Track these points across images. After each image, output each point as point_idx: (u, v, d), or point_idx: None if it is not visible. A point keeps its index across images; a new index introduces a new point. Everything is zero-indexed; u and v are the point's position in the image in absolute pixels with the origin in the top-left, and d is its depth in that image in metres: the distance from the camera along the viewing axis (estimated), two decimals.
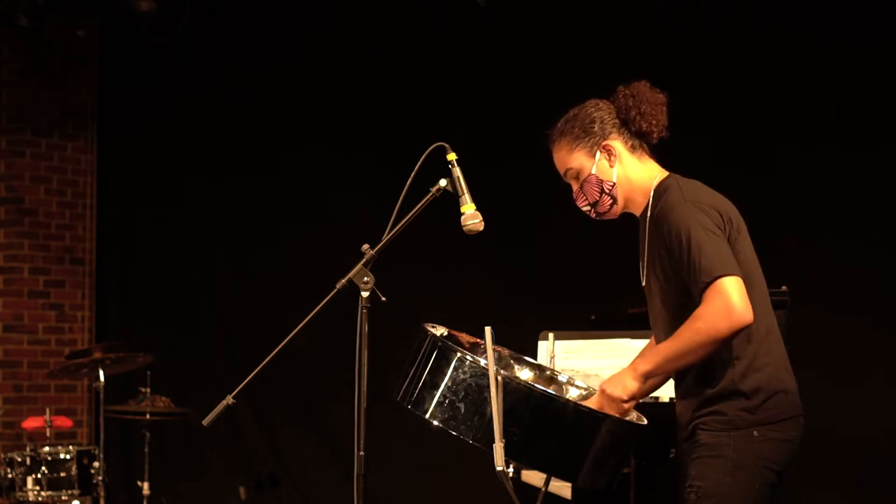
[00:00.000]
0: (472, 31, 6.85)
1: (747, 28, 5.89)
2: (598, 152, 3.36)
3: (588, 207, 3.42)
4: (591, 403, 3.28)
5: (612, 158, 3.35)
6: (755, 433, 3.16)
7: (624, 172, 3.36)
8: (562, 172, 3.44)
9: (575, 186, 3.43)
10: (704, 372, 3.21)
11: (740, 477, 3.16)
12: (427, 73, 7.03)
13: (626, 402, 3.24)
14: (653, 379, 3.30)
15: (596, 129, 3.36)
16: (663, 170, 3.38)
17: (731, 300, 3.07)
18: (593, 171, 3.37)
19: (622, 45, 6.22)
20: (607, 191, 3.37)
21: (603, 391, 3.26)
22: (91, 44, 8.33)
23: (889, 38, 5.44)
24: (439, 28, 7.02)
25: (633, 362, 3.29)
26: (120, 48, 8.31)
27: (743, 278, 3.13)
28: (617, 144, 3.35)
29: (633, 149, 3.37)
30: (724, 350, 3.17)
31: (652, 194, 3.33)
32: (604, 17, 6.37)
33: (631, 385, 3.23)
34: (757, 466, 3.17)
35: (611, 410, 3.23)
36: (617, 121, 3.36)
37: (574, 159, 3.39)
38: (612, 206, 3.39)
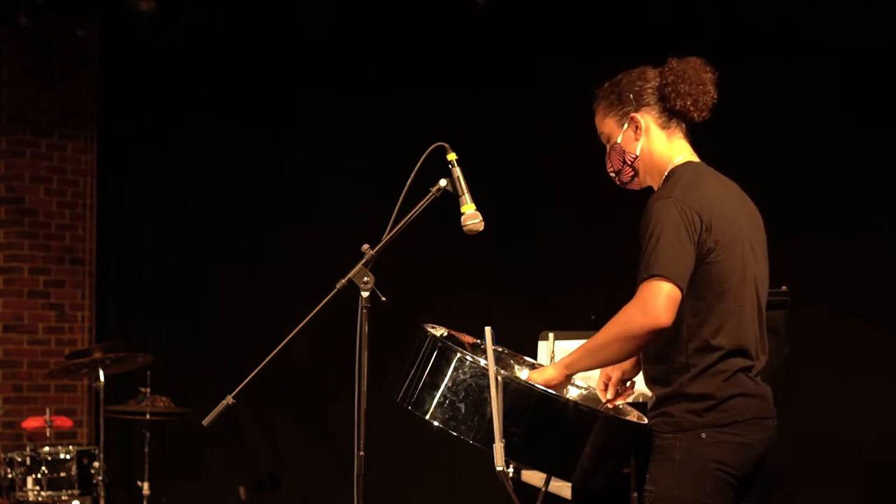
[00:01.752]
0: (472, 30, 6.84)
1: (747, 28, 5.89)
2: (626, 123, 3.34)
3: (613, 174, 3.42)
4: None
5: (638, 131, 3.33)
6: (703, 435, 3.11)
7: (648, 147, 3.33)
8: (598, 132, 3.44)
9: (608, 150, 3.42)
10: (660, 375, 3.20)
11: (688, 480, 3.11)
12: (427, 73, 7.03)
13: None
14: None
15: (631, 98, 3.33)
16: (692, 154, 3.34)
17: (653, 300, 3.04)
18: (619, 141, 3.36)
19: (622, 45, 6.21)
20: (629, 162, 3.36)
21: (528, 377, 3.32)
22: (91, 44, 8.33)
23: (889, 38, 5.44)
24: (439, 28, 7.02)
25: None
26: (120, 48, 8.31)
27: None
28: (647, 118, 3.32)
29: (664, 125, 3.33)
30: (679, 355, 3.14)
31: (665, 176, 3.30)
32: (604, 17, 6.36)
33: (549, 373, 3.25)
34: (707, 468, 3.11)
35: None
36: (656, 93, 3.32)
37: (606, 125, 3.40)
38: (633, 177, 3.38)
